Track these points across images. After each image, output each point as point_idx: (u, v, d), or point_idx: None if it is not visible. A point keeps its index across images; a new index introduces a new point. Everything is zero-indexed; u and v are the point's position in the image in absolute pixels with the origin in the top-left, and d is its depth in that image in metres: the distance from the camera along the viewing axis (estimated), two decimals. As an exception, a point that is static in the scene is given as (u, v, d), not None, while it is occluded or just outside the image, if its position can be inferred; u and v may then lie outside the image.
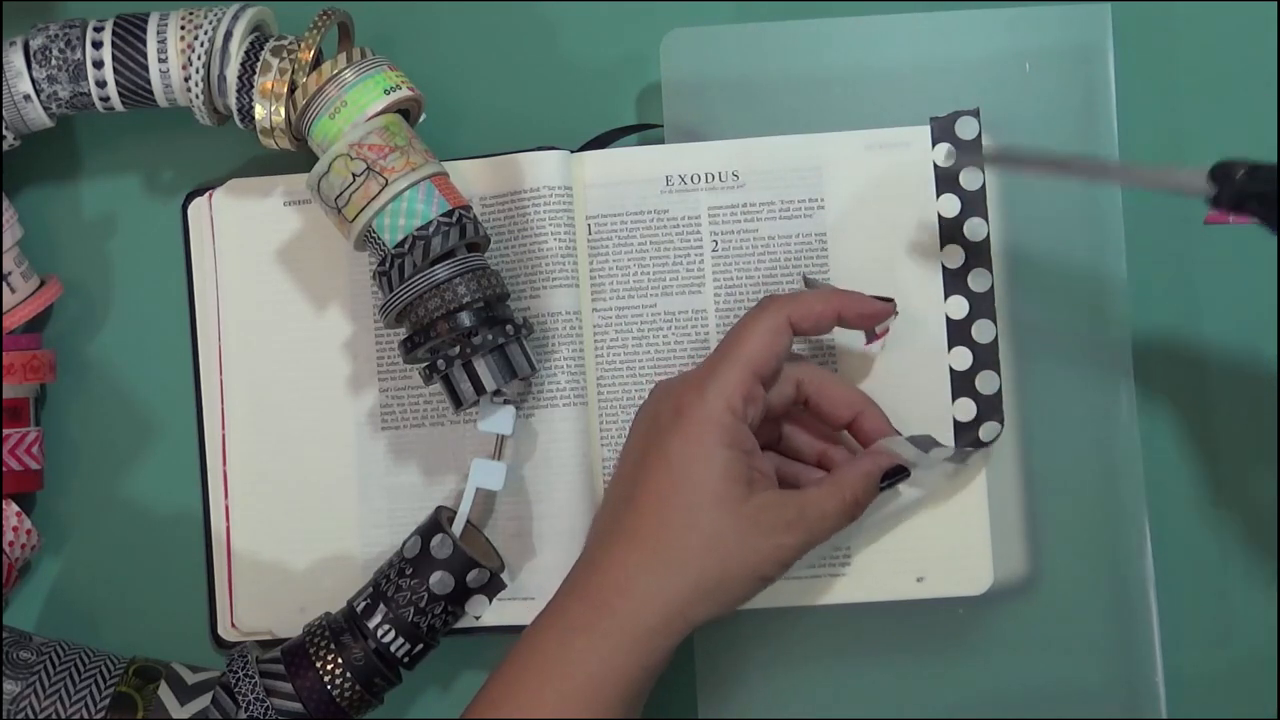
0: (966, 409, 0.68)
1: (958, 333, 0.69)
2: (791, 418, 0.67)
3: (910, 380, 0.68)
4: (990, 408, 0.68)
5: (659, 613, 0.59)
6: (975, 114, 0.68)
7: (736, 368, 0.61)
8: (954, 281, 0.69)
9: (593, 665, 0.59)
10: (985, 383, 0.68)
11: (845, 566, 0.69)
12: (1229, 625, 0.70)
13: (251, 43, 0.66)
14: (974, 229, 0.68)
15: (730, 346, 0.62)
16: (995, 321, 0.68)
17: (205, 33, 0.66)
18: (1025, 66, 0.70)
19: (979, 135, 0.68)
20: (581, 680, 0.59)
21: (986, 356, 0.68)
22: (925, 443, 0.64)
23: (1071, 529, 0.69)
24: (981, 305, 0.68)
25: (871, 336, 0.67)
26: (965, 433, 0.68)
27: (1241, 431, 0.71)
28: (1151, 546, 0.69)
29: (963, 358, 0.68)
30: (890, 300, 0.65)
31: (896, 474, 0.63)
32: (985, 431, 0.68)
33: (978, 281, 0.68)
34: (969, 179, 0.68)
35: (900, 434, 0.65)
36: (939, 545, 0.68)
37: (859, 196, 0.69)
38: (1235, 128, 0.72)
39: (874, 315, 0.65)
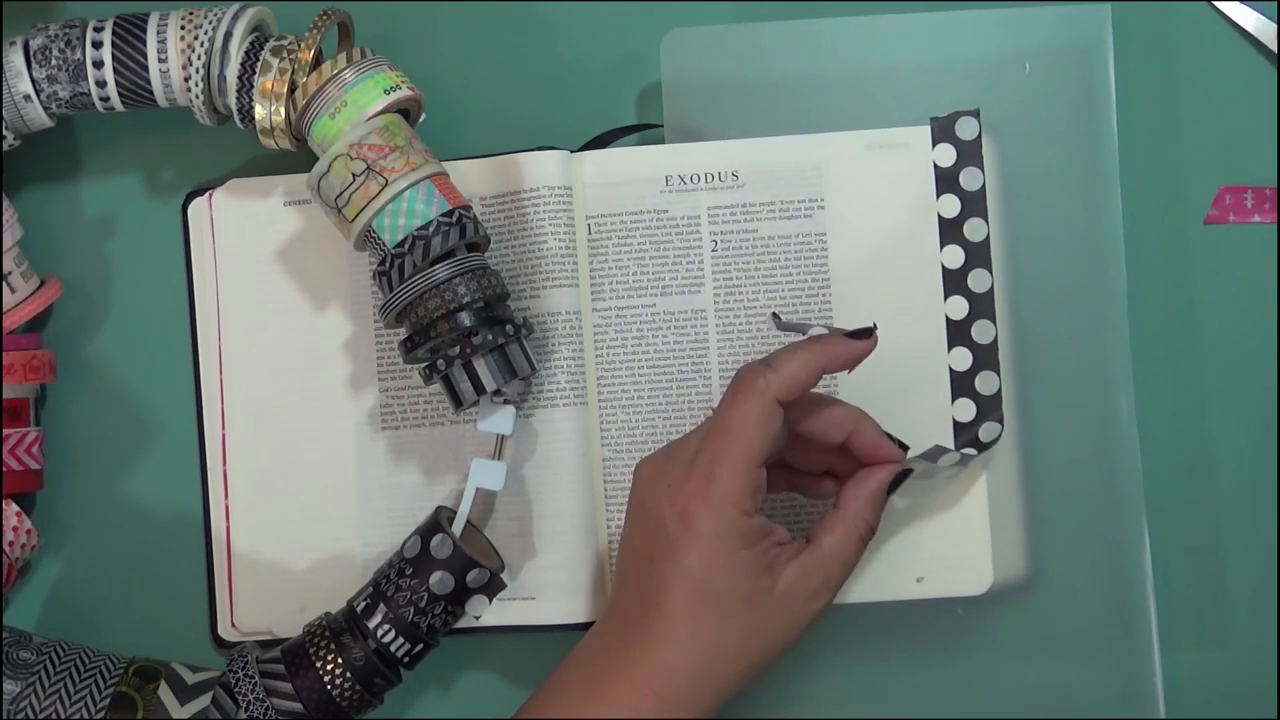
0: (966, 409, 0.68)
1: (958, 333, 0.69)
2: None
3: (910, 381, 0.68)
4: (990, 408, 0.68)
5: (710, 697, 0.60)
6: (975, 114, 0.68)
7: (737, 468, 0.59)
8: (954, 282, 0.69)
9: None
10: (985, 383, 0.68)
11: (846, 565, 0.69)
12: (1228, 625, 0.70)
13: (251, 43, 0.66)
14: (974, 229, 0.68)
15: (724, 441, 0.59)
16: (995, 322, 0.68)
17: (205, 33, 0.66)
18: (1025, 67, 0.70)
19: (979, 135, 0.68)
20: None
21: (986, 357, 0.68)
22: (933, 453, 0.63)
23: (1071, 529, 0.69)
24: (981, 306, 0.68)
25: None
26: (965, 433, 0.68)
27: (1240, 432, 0.71)
28: (1150, 547, 0.69)
29: (963, 358, 0.68)
30: (871, 330, 0.62)
31: (902, 478, 0.63)
32: (985, 432, 0.68)
33: (977, 282, 0.68)
34: (969, 179, 0.68)
35: (891, 434, 0.64)
36: (939, 545, 0.68)
37: (859, 197, 0.69)
38: (1235, 128, 0.71)
39: (857, 356, 0.62)
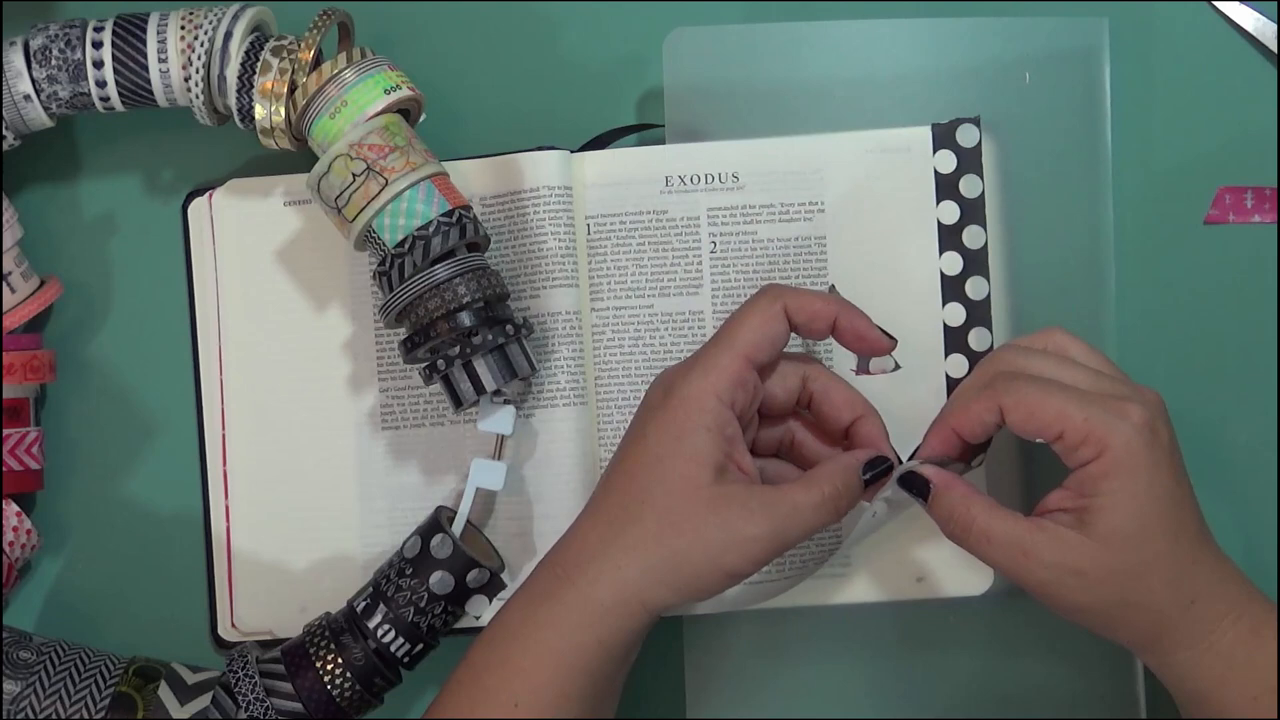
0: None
1: (954, 340, 0.69)
2: (798, 420, 0.66)
3: (906, 387, 0.68)
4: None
5: (612, 591, 0.59)
6: (976, 121, 0.68)
7: (728, 352, 0.60)
8: (951, 289, 0.69)
9: (551, 637, 0.59)
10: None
11: (845, 566, 0.69)
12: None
13: (251, 43, 0.66)
14: (973, 237, 0.68)
15: (725, 331, 0.61)
16: (991, 329, 0.68)
17: (205, 33, 0.66)
18: (1025, 76, 0.70)
19: (979, 143, 0.68)
20: (541, 650, 0.59)
21: (983, 364, 0.68)
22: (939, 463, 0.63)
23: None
24: (978, 313, 0.68)
25: (863, 367, 0.67)
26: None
27: (1240, 433, 0.71)
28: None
29: (959, 365, 0.68)
30: (892, 338, 0.63)
31: (878, 464, 0.62)
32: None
33: (975, 289, 0.68)
34: (969, 187, 0.68)
35: (892, 445, 0.64)
36: (939, 545, 0.68)
37: (858, 201, 0.69)
38: (1235, 128, 0.71)
39: (870, 340, 0.62)
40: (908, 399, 0.68)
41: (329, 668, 0.65)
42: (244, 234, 0.71)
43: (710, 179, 0.70)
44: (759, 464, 0.63)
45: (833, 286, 0.68)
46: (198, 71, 0.66)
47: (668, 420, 0.60)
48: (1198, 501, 0.60)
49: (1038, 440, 0.59)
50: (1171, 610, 0.58)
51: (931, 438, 0.62)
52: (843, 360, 0.69)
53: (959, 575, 0.68)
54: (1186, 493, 0.59)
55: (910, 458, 0.63)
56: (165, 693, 0.65)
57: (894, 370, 0.66)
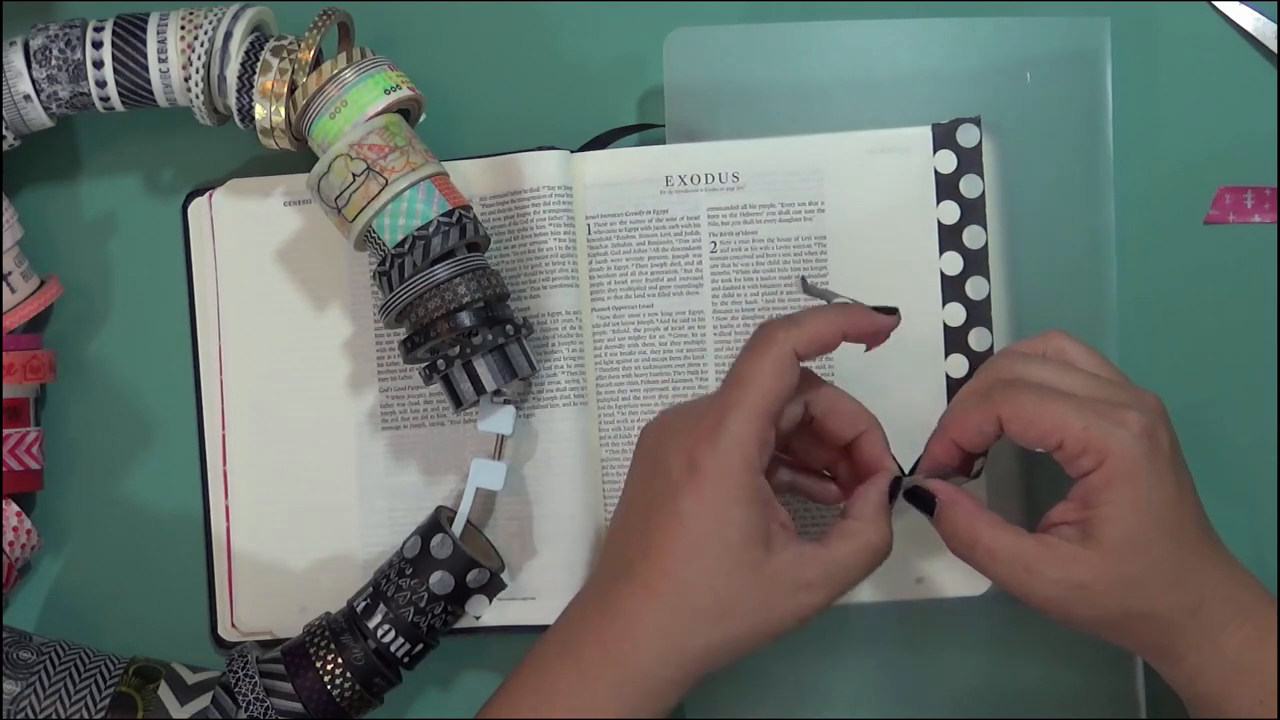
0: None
1: (954, 340, 0.69)
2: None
3: (906, 387, 0.68)
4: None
5: (674, 665, 0.58)
6: (976, 121, 0.68)
7: (749, 417, 0.58)
8: (952, 289, 0.69)
9: (609, 707, 0.58)
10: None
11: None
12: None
13: (251, 43, 0.66)
14: (973, 237, 0.68)
15: (738, 390, 0.58)
16: (992, 330, 0.68)
17: (205, 33, 0.66)
18: (1026, 76, 0.70)
19: (980, 143, 0.68)
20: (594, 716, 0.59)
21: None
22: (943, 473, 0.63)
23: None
24: (979, 313, 0.68)
25: (873, 344, 0.67)
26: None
27: (1241, 433, 0.71)
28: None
29: (959, 365, 0.68)
30: (894, 311, 0.62)
31: (897, 488, 0.61)
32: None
33: (975, 289, 0.68)
34: (969, 186, 0.68)
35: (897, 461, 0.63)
36: (938, 547, 0.68)
37: (859, 201, 0.69)
38: (1235, 128, 0.71)
39: (880, 330, 0.61)
40: (908, 399, 0.68)
41: (329, 668, 0.65)
42: (244, 234, 0.71)
43: (710, 179, 0.69)
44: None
45: (803, 279, 0.67)
46: (198, 71, 0.66)
47: (703, 498, 0.58)
48: (1201, 504, 0.60)
49: (1038, 450, 0.59)
50: (1178, 616, 0.58)
51: (932, 448, 0.62)
52: (844, 362, 0.69)
53: (959, 575, 0.68)
54: (1189, 497, 0.59)
55: (912, 469, 0.63)
56: (165, 693, 0.65)
57: (899, 323, 0.63)
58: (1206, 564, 0.59)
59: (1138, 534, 0.57)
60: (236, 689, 0.64)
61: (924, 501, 0.61)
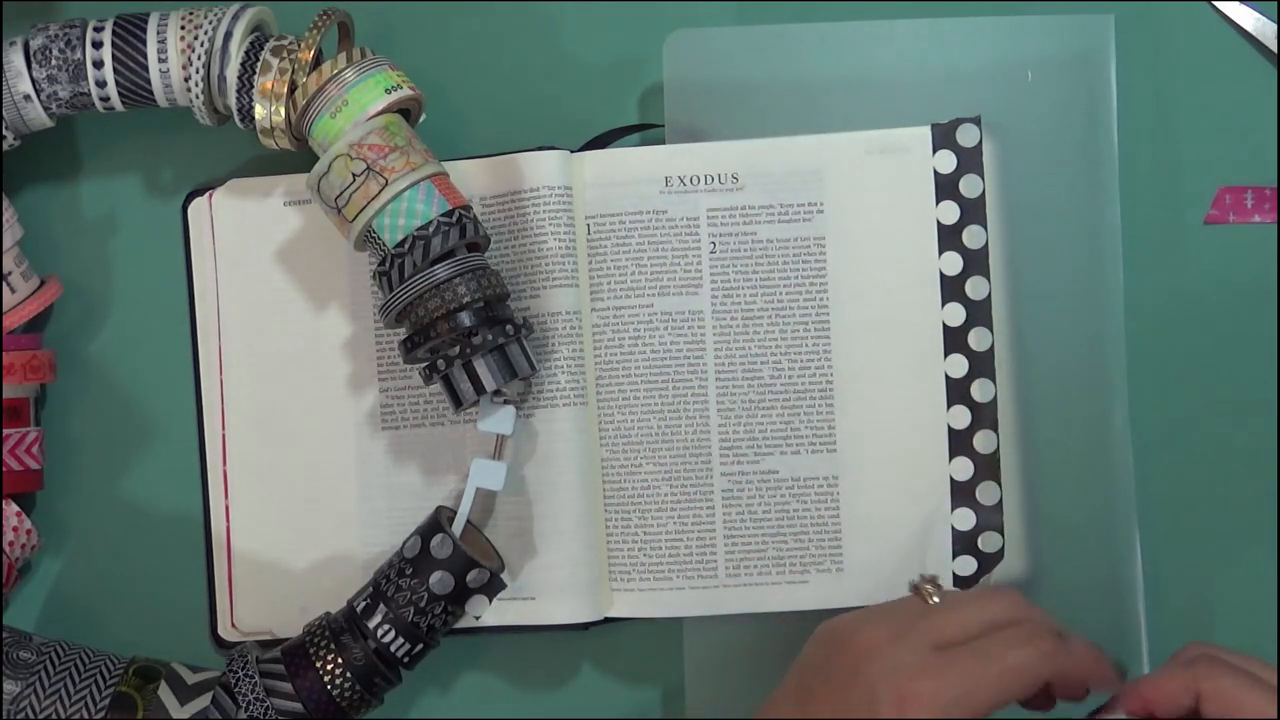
0: (961, 416, 0.68)
1: (954, 340, 0.69)
2: None
3: (905, 387, 0.68)
4: (985, 416, 0.68)
5: None
6: (976, 121, 0.68)
7: (983, 704, 0.56)
8: (951, 289, 0.69)
9: None
10: (981, 391, 0.68)
11: (845, 567, 0.69)
12: (1215, 628, 0.71)
13: (251, 43, 0.66)
14: (973, 236, 0.68)
15: (990, 669, 0.56)
16: (991, 329, 0.68)
17: (205, 33, 0.66)
18: (1027, 75, 0.70)
19: (980, 143, 0.68)
20: None
21: (982, 364, 0.68)
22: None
23: (1069, 532, 0.69)
24: (979, 313, 0.68)
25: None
26: (959, 440, 0.68)
27: (1240, 434, 0.71)
28: (1142, 550, 0.69)
29: (959, 365, 0.68)
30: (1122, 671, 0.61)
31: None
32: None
33: (975, 289, 0.68)
34: (969, 186, 0.68)
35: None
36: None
37: (858, 201, 0.69)
38: (1235, 128, 0.71)
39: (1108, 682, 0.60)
40: (907, 399, 0.68)
41: (329, 668, 0.65)
42: (244, 234, 0.71)
43: (710, 179, 0.70)
44: None
45: (921, 578, 0.65)
46: (198, 71, 0.66)
47: None
48: None
49: None
50: None
51: (1123, 699, 0.59)
52: (844, 362, 0.69)
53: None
54: None
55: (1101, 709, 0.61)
56: (165, 693, 0.65)
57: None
58: None
59: None
60: (236, 689, 0.64)
61: None
